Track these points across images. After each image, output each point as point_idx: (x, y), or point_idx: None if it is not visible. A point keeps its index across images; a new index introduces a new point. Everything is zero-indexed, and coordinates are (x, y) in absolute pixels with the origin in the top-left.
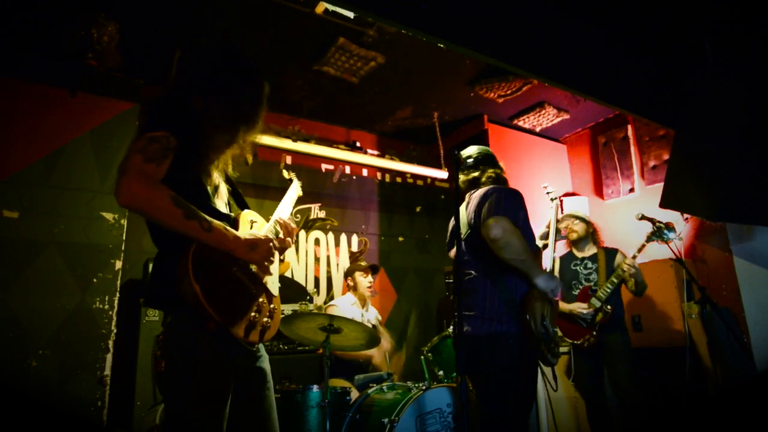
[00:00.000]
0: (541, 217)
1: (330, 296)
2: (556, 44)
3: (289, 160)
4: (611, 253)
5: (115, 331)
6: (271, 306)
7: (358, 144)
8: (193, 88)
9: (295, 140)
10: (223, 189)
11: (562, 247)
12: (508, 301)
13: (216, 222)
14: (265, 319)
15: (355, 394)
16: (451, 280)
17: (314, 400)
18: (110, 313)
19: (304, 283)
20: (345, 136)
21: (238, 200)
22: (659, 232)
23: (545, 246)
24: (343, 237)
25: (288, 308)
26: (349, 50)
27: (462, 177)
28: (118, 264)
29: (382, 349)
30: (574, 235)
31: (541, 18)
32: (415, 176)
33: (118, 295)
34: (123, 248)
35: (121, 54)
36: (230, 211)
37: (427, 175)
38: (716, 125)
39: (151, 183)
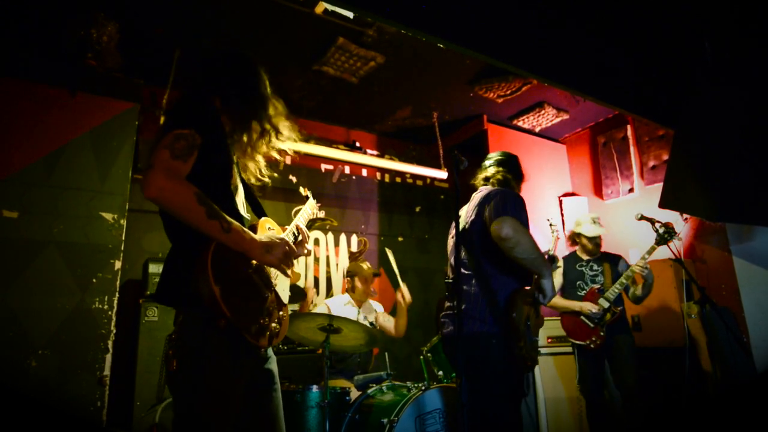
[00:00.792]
0: (541, 218)
1: (330, 296)
2: (555, 44)
3: (289, 160)
4: (614, 258)
5: (114, 331)
6: (281, 313)
7: (357, 144)
8: (209, 88)
9: (294, 140)
10: (242, 192)
11: (564, 248)
12: (491, 301)
13: (235, 223)
14: (274, 325)
15: (354, 394)
16: (449, 280)
17: (314, 400)
18: (110, 313)
19: (302, 284)
20: (344, 136)
21: (256, 208)
22: (669, 234)
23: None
24: (343, 237)
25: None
26: (349, 50)
27: (478, 175)
28: (118, 264)
29: (402, 306)
30: (591, 247)
31: (541, 18)
32: (414, 176)
33: (117, 295)
34: (122, 248)
35: (120, 54)
36: (247, 214)
37: (427, 175)
38: (716, 125)
39: (178, 179)
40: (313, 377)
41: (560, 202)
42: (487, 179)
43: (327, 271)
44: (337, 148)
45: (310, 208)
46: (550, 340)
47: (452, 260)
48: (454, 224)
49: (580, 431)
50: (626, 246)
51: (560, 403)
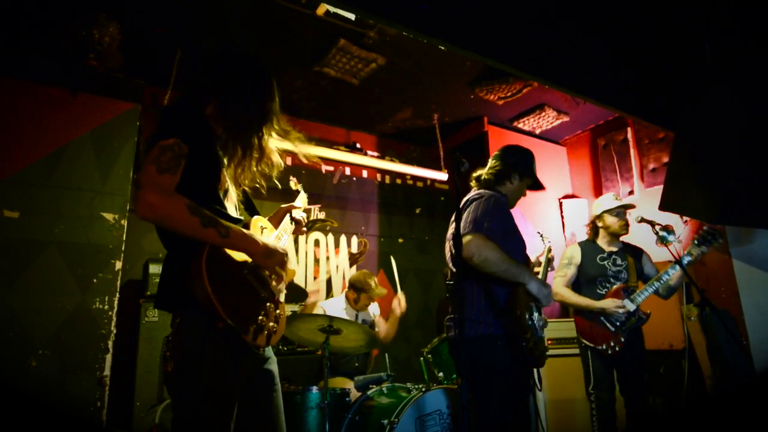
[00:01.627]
0: (541, 219)
1: (330, 296)
2: (556, 46)
3: (289, 161)
4: (638, 252)
5: (114, 331)
6: (277, 311)
7: (358, 145)
8: (205, 93)
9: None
10: (233, 194)
11: (582, 234)
12: (492, 303)
13: (234, 226)
14: (272, 324)
15: (354, 395)
16: (449, 282)
17: (314, 401)
18: (110, 313)
19: (303, 285)
20: (345, 137)
21: (249, 207)
22: (710, 237)
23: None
24: (343, 238)
25: (287, 309)
26: (350, 51)
27: (472, 176)
28: (118, 264)
29: (395, 314)
30: (617, 228)
31: (542, 20)
32: (414, 178)
33: (118, 295)
34: (123, 248)
35: (122, 54)
36: (239, 215)
37: (427, 177)
38: (716, 128)
39: (167, 194)
40: (312, 378)
41: (560, 204)
42: (477, 178)
43: (327, 272)
44: (338, 149)
45: (301, 202)
46: (550, 342)
47: (451, 264)
48: (452, 227)
49: None
50: None
51: (562, 405)
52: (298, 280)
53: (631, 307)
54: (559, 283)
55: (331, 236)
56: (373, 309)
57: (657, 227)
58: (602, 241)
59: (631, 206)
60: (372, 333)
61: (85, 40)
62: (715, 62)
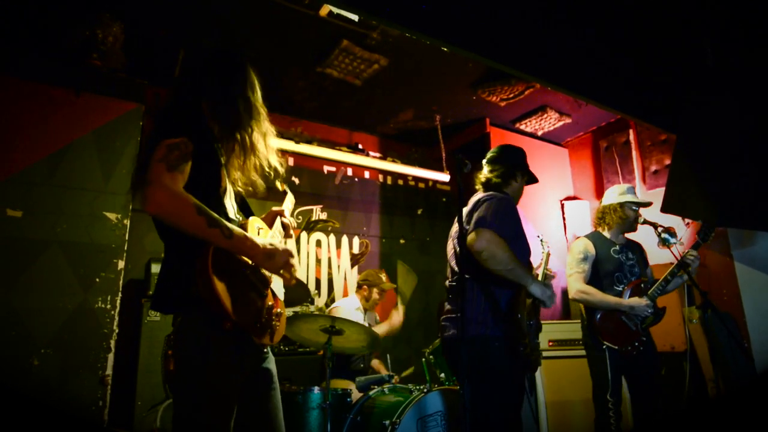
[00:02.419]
0: (542, 221)
1: (331, 298)
2: (558, 48)
3: (291, 161)
4: (638, 246)
5: (116, 330)
6: (278, 310)
7: (360, 146)
8: (197, 93)
9: (297, 142)
10: (231, 194)
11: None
12: (493, 305)
13: (236, 229)
14: (275, 323)
15: (356, 395)
16: (452, 282)
17: (315, 402)
18: (112, 312)
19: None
20: (347, 137)
21: (244, 208)
22: (706, 232)
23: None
24: (345, 239)
25: (289, 310)
26: (353, 52)
27: (478, 177)
28: (121, 264)
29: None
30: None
31: (544, 22)
32: (416, 179)
33: (120, 294)
34: (125, 248)
35: (125, 54)
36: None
37: (429, 178)
38: (718, 130)
39: (176, 192)
40: (314, 378)
41: (562, 205)
42: (485, 183)
43: (328, 273)
44: (340, 149)
45: (290, 203)
46: (551, 344)
47: (453, 263)
48: (455, 227)
49: None
50: None
51: (562, 407)
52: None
53: (651, 304)
54: (578, 279)
55: (332, 237)
56: (375, 316)
57: (659, 229)
58: (610, 234)
59: (648, 204)
60: (374, 334)
61: (89, 40)
62: (717, 65)
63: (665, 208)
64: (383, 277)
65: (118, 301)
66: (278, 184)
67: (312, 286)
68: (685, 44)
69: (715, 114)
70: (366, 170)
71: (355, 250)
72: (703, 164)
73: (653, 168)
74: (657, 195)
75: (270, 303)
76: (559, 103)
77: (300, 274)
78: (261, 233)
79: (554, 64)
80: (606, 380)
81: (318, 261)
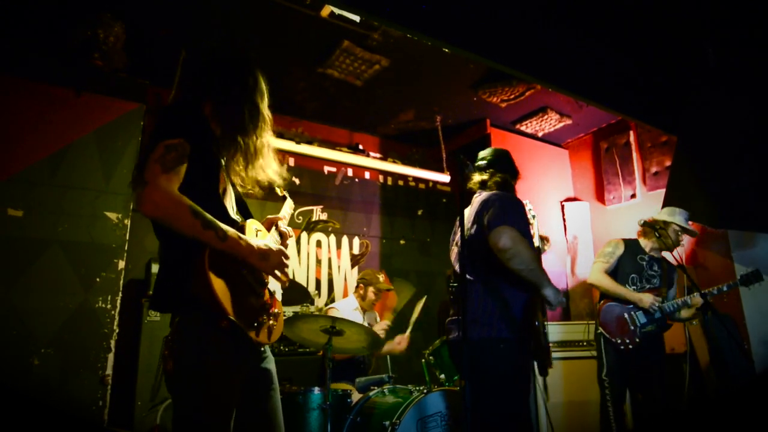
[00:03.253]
0: (542, 222)
1: (331, 298)
2: (559, 49)
3: (291, 161)
4: (671, 267)
5: (117, 330)
6: (275, 309)
7: (360, 146)
8: (201, 93)
9: (298, 142)
10: (231, 195)
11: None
12: (503, 307)
13: (230, 230)
14: (271, 321)
15: (356, 396)
16: (454, 284)
17: (315, 402)
18: (113, 312)
19: (305, 284)
20: (348, 138)
21: (243, 209)
22: (751, 279)
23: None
24: (345, 239)
25: (289, 310)
26: (354, 53)
27: (473, 178)
28: (121, 263)
29: (393, 347)
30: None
31: (545, 23)
32: (417, 179)
33: (120, 294)
34: (126, 248)
35: (126, 54)
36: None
37: (429, 179)
38: (719, 132)
39: (171, 194)
40: (314, 379)
41: (562, 207)
42: (483, 183)
43: (329, 273)
44: (340, 150)
45: (289, 208)
46: (551, 345)
47: (457, 266)
48: (458, 229)
49: None
50: None
51: (564, 408)
52: (300, 281)
53: (658, 314)
54: (599, 268)
55: (333, 237)
56: (375, 315)
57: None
58: (646, 245)
59: (695, 233)
60: (374, 334)
61: (90, 40)
62: (717, 67)
63: None
64: (381, 277)
65: (119, 301)
66: (278, 190)
67: (312, 287)
68: (686, 45)
69: (716, 115)
70: (366, 171)
71: (356, 250)
72: (704, 166)
73: (654, 169)
74: (657, 196)
75: (267, 302)
76: (560, 105)
77: (300, 274)
78: (259, 235)
79: (555, 65)
80: (602, 361)
81: (318, 261)
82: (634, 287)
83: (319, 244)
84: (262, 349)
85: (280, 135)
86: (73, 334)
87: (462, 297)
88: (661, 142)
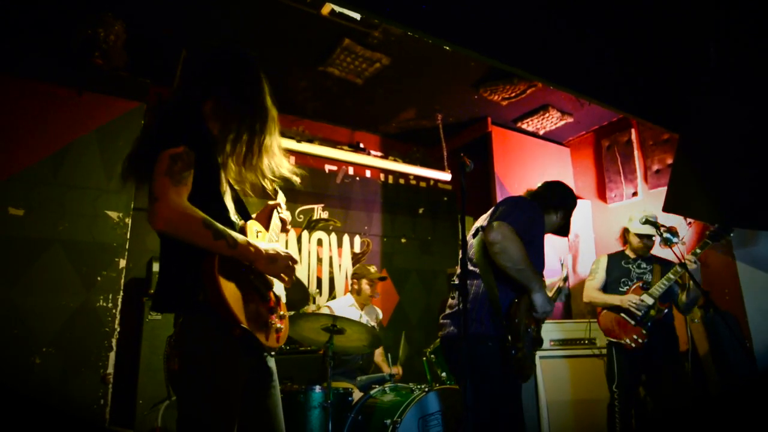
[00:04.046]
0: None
1: (332, 297)
2: (561, 47)
3: (293, 160)
4: (667, 263)
5: (118, 329)
6: (281, 311)
7: (361, 145)
8: (202, 92)
9: (299, 141)
10: (230, 195)
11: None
12: (493, 304)
13: (240, 237)
14: (279, 324)
15: (357, 394)
16: (455, 282)
17: (316, 401)
18: (114, 311)
19: (306, 284)
20: (349, 137)
21: (242, 210)
22: (720, 234)
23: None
24: (346, 238)
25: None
26: (354, 51)
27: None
28: (123, 262)
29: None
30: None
31: (546, 20)
32: (418, 178)
33: (121, 293)
34: (127, 247)
35: (127, 53)
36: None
37: (430, 177)
38: (720, 130)
39: (183, 207)
40: (315, 377)
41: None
42: (531, 192)
43: (330, 272)
44: (341, 149)
45: (281, 201)
46: (552, 343)
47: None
48: (476, 224)
49: None
50: None
51: (563, 407)
52: (301, 279)
53: (650, 300)
54: (591, 286)
55: (334, 236)
56: (377, 311)
57: (661, 229)
58: (628, 250)
59: (659, 225)
60: (375, 332)
61: (91, 39)
62: (719, 64)
63: (667, 208)
64: (372, 269)
65: (120, 300)
66: (266, 183)
67: (313, 286)
68: (688, 44)
69: (717, 113)
70: (367, 169)
71: (357, 249)
72: (706, 164)
73: (655, 167)
74: (659, 194)
75: (273, 306)
76: (561, 103)
77: (301, 273)
78: (259, 236)
79: (556, 63)
80: (612, 372)
81: (319, 260)
82: (626, 287)
83: (320, 242)
84: (275, 352)
85: (281, 134)
86: (74, 333)
87: (463, 295)
88: (662, 140)
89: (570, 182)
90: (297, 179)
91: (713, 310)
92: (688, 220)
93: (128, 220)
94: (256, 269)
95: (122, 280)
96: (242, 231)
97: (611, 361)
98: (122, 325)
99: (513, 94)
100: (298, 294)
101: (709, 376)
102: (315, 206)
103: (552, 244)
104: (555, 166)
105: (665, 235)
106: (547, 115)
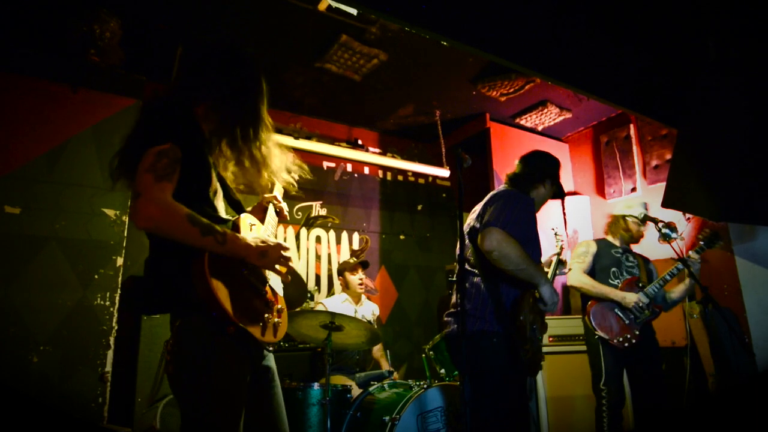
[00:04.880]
0: (543, 216)
1: (331, 293)
2: (559, 42)
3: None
4: (645, 258)
5: (116, 327)
6: (278, 305)
7: (359, 142)
8: (194, 93)
9: (296, 138)
10: (221, 194)
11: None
12: (497, 301)
13: (228, 232)
14: (276, 319)
15: (356, 391)
16: (453, 279)
17: (315, 398)
18: (111, 309)
19: (305, 280)
20: (347, 133)
21: (235, 205)
22: (713, 240)
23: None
24: (345, 235)
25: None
26: (352, 47)
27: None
28: (120, 260)
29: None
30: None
31: (544, 16)
32: (416, 174)
33: (119, 291)
34: (124, 245)
35: (123, 50)
36: (227, 214)
37: (429, 174)
38: (719, 125)
39: (167, 203)
40: (308, 372)
41: (562, 201)
42: (511, 178)
43: (328, 269)
44: (339, 145)
45: (278, 193)
46: (551, 339)
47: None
48: (470, 217)
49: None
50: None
51: (563, 403)
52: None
53: (645, 300)
54: (578, 269)
55: (332, 233)
56: (373, 307)
57: (660, 224)
58: (615, 240)
59: (657, 221)
60: (374, 329)
61: (86, 36)
62: (718, 59)
63: (666, 203)
64: (351, 261)
65: (117, 298)
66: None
67: (312, 283)
68: (687, 38)
69: (716, 108)
70: (366, 166)
71: (355, 246)
72: (705, 159)
73: (654, 163)
74: (657, 190)
75: (270, 300)
76: (560, 98)
77: (300, 270)
78: (254, 229)
79: (555, 58)
80: (599, 370)
81: (318, 257)
82: (618, 280)
83: (318, 239)
84: (271, 348)
85: (278, 131)
86: (71, 332)
87: (461, 290)
88: (661, 136)
89: (569, 178)
90: (293, 180)
91: (712, 306)
92: (687, 215)
93: (125, 218)
94: (250, 264)
95: (120, 278)
96: (236, 225)
97: (598, 358)
98: (120, 324)
99: (511, 90)
100: (298, 291)
101: (707, 372)
102: (313, 203)
103: (548, 214)
104: None
105: (664, 230)
106: (545, 110)
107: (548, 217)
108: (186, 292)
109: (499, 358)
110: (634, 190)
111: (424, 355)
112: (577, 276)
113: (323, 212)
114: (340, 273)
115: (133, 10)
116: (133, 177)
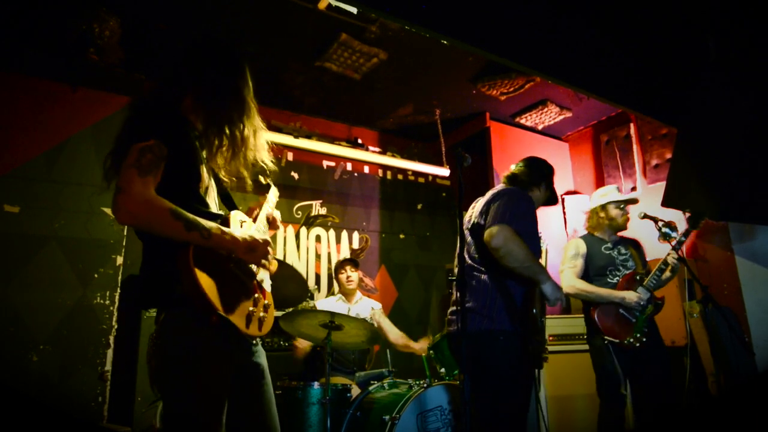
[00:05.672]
0: (543, 216)
1: (331, 293)
2: (559, 41)
3: (290, 156)
4: (633, 242)
5: (115, 326)
6: (265, 301)
7: (359, 141)
8: (182, 86)
9: (296, 137)
10: (213, 190)
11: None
12: (505, 298)
13: (214, 227)
14: (262, 313)
15: (356, 391)
16: (453, 277)
17: (315, 397)
18: (111, 308)
19: (305, 279)
20: (346, 132)
21: (227, 201)
22: (696, 219)
23: None
24: (344, 234)
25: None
26: (352, 46)
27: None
28: (119, 259)
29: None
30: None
31: (544, 15)
32: (416, 173)
33: (119, 290)
34: (124, 243)
35: (122, 49)
36: (219, 210)
37: (429, 173)
38: (719, 124)
39: (149, 198)
40: (302, 371)
41: (562, 200)
42: (510, 177)
43: (328, 268)
44: (339, 144)
45: (274, 196)
46: (552, 338)
47: (466, 255)
48: (469, 213)
49: (583, 431)
50: None
51: (563, 402)
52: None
53: (646, 294)
54: (571, 274)
55: (332, 232)
56: (372, 303)
57: (660, 223)
58: (602, 234)
59: (635, 201)
60: (373, 328)
61: (86, 35)
62: (718, 59)
63: (666, 202)
64: (339, 260)
65: (117, 297)
66: (261, 178)
67: (312, 282)
68: (687, 37)
69: (716, 108)
70: (365, 165)
71: (355, 245)
72: (704, 158)
73: (654, 162)
74: (658, 189)
75: (257, 295)
76: (560, 97)
77: (300, 269)
78: (244, 226)
79: (555, 57)
80: (615, 374)
81: (318, 256)
82: (616, 278)
83: (318, 239)
84: (254, 342)
85: (278, 129)
86: (71, 331)
87: (461, 289)
88: (661, 135)
89: (569, 177)
90: (274, 167)
91: (712, 305)
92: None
93: None
94: (236, 258)
95: (119, 277)
96: (225, 221)
97: (611, 362)
98: (120, 322)
99: (511, 89)
100: (298, 290)
101: (707, 372)
102: (313, 202)
103: (548, 214)
104: (553, 161)
105: (663, 229)
106: (545, 109)
107: (548, 215)
108: (172, 287)
109: (507, 358)
110: (634, 189)
111: (424, 355)
112: (571, 282)
113: (323, 211)
114: (334, 274)
115: (132, 8)
116: None
